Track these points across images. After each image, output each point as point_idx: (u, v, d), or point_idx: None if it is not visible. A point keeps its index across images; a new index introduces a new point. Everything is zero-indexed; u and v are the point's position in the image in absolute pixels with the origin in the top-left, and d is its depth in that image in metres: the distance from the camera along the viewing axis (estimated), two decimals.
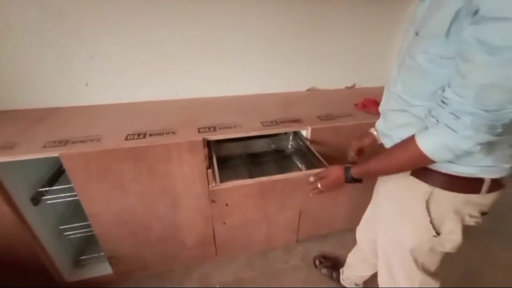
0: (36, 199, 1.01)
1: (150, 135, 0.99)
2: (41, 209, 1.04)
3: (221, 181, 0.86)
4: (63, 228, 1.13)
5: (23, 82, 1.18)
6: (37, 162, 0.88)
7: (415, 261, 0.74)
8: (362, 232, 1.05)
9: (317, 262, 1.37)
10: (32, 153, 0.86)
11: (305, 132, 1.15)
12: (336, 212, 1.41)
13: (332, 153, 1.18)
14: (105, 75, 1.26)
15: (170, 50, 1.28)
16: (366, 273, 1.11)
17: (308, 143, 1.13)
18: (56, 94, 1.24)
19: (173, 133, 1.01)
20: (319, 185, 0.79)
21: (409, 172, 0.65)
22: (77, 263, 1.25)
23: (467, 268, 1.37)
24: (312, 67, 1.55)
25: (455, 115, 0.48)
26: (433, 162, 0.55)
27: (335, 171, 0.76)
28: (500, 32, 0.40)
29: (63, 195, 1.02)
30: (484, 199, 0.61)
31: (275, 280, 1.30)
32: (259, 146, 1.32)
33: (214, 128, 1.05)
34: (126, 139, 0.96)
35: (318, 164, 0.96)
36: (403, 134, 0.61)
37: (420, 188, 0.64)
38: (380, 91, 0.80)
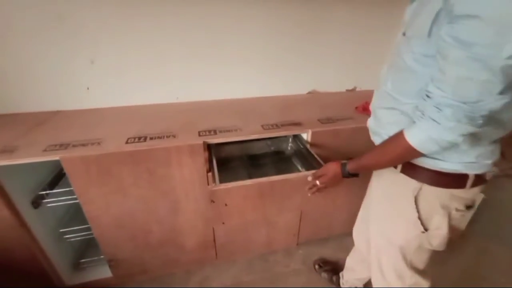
0: (36, 202, 1.01)
1: (151, 138, 0.99)
2: (41, 212, 1.04)
3: (221, 182, 0.87)
4: (63, 231, 1.13)
5: (24, 86, 1.19)
6: (38, 166, 0.89)
7: (404, 259, 0.76)
8: (358, 231, 1.05)
9: (316, 266, 1.36)
10: (32, 156, 0.86)
11: (306, 136, 1.15)
12: (337, 215, 1.41)
13: (332, 156, 1.18)
14: (106, 79, 1.26)
15: (170, 53, 1.29)
16: (366, 275, 1.10)
17: (308, 146, 1.13)
18: (57, 97, 1.25)
19: (174, 136, 1.01)
20: (317, 183, 0.83)
21: (399, 169, 0.67)
22: (77, 266, 1.24)
23: (467, 270, 1.36)
24: (313, 70, 1.55)
25: (438, 108, 0.51)
26: (422, 155, 0.58)
27: (332, 168, 0.80)
28: (469, 29, 0.43)
29: (63, 198, 1.02)
30: (468, 194, 0.64)
31: (276, 284, 1.29)
32: (259, 148, 1.32)
33: (215, 132, 1.05)
34: (127, 142, 0.96)
35: (318, 166, 0.98)
36: (392, 132, 0.64)
37: (410, 184, 0.66)
38: None
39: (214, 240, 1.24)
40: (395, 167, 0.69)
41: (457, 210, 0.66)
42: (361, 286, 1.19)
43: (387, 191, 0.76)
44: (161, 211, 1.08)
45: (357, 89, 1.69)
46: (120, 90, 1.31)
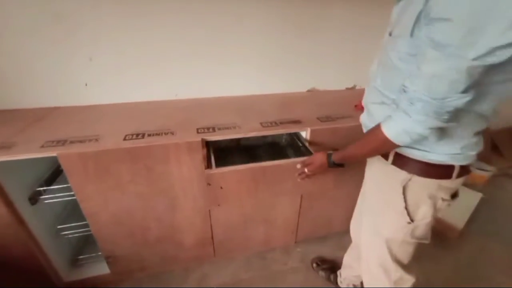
0: (34, 199, 1.00)
1: (149, 135, 0.99)
2: (38, 208, 1.04)
3: (216, 166, 0.95)
4: (60, 228, 1.13)
5: (22, 82, 1.18)
6: (36, 162, 0.88)
7: (390, 252, 0.79)
8: (354, 225, 1.06)
9: (314, 264, 1.36)
10: (30, 152, 0.86)
11: (305, 134, 1.15)
12: (335, 213, 1.41)
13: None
14: (105, 75, 1.26)
15: (169, 50, 1.28)
16: None
17: (307, 144, 1.12)
18: (55, 94, 1.24)
19: (172, 133, 1.00)
20: (306, 170, 0.89)
21: (390, 161, 0.70)
22: (75, 263, 1.24)
23: (465, 268, 1.37)
24: (313, 68, 1.54)
25: (410, 102, 0.55)
26: (397, 146, 0.63)
27: (319, 157, 0.86)
28: (442, 31, 0.47)
29: (61, 194, 1.01)
30: (454, 184, 0.68)
31: (274, 282, 1.29)
32: (255, 139, 1.36)
33: (213, 129, 1.04)
34: (125, 139, 0.96)
35: (308, 154, 1.01)
36: None
37: (399, 175, 0.69)
38: None
39: (212, 238, 1.24)
40: (386, 159, 0.72)
41: (443, 200, 0.69)
42: (359, 283, 1.19)
43: (379, 182, 0.79)
44: (159, 208, 1.08)
45: (357, 87, 1.68)
46: (119, 86, 1.30)
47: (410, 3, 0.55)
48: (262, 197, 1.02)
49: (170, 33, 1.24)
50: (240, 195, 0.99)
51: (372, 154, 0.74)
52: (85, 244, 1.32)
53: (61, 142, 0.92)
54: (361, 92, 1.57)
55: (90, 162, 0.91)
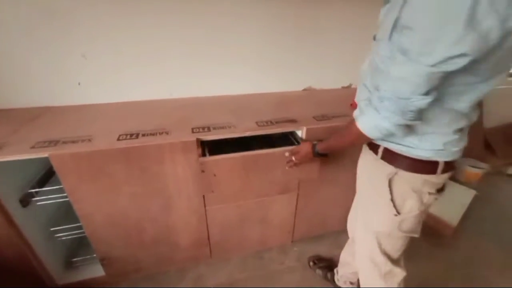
0: (25, 201, 0.98)
1: (143, 135, 0.97)
2: (30, 210, 1.02)
3: (210, 155, 0.98)
4: (54, 230, 1.11)
5: (14, 81, 1.16)
6: (28, 163, 0.86)
7: (379, 245, 0.82)
8: (351, 221, 1.07)
9: (311, 263, 1.36)
10: (20, 153, 0.84)
11: (300, 133, 1.14)
12: (332, 212, 1.41)
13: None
14: (98, 74, 1.24)
15: (165, 49, 1.26)
16: None
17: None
18: (48, 93, 1.22)
19: (166, 133, 0.99)
20: (293, 159, 0.95)
21: (380, 156, 0.74)
22: (69, 265, 1.23)
23: (459, 266, 1.38)
24: (309, 67, 1.54)
25: (380, 100, 0.61)
26: (370, 139, 0.68)
27: (305, 147, 0.92)
28: (407, 38, 0.51)
29: (54, 196, 1.00)
30: (439, 179, 0.70)
31: (270, 281, 1.29)
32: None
33: (208, 128, 1.04)
34: (118, 139, 0.94)
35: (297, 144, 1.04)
36: None
37: (387, 169, 0.72)
38: None
39: (209, 238, 1.23)
40: (376, 153, 0.75)
41: (430, 194, 0.71)
42: (356, 280, 1.19)
43: (368, 176, 0.82)
44: (154, 208, 1.06)
45: (353, 86, 1.69)
46: (113, 85, 1.28)
47: (392, 9, 0.58)
48: (252, 183, 1.04)
49: (165, 31, 1.23)
50: (232, 183, 1.01)
51: (349, 145, 0.79)
52: (80, 246, 1.30)
53: (53, 143, 0.90)
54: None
55: (83, 163, 0.90)
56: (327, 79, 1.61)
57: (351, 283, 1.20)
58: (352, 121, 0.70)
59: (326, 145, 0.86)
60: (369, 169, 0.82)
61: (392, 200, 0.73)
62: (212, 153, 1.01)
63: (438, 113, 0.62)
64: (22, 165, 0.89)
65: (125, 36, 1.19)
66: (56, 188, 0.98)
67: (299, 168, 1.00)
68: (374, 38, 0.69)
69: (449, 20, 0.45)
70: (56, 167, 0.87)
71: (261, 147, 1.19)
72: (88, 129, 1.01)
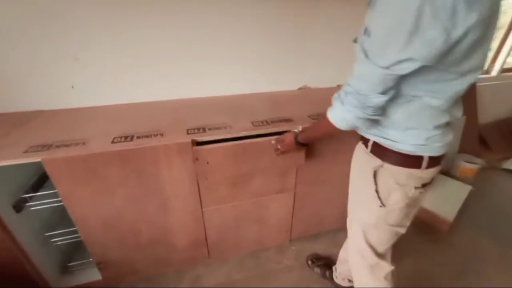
0: (18, 206, 0.97)
1: (138, 137, 0.97)
2: (24, 216, 1.00)
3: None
4: (49, 235, 1.10)
5: (5, 84, 1.14)
6: (21, 168, 0.85)
7: (365, 237, 0.86)
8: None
9: (309, 262, 1.37)
10: (12, 158, 0.83)
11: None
12: (329, 211, 1.41)
13: (322, 151, 1.18)
14: (92, 77, 1.22)
15: (159, 50, 1.25)
16: None
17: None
18: (40, 96, 1.21)
19: (161, 135, 0.98)
20: (279, 147, 0.99)
21: (369, 149, 0.76)
22: (65, 270, 1.22)
23: (455, 260, 1.39)
24: (304, 66, 1.54)
25: (345, 94, 0.66)
26: (341, 130, 0.72)
27: (289, 136, 0.96)
28: (367, 41, 0.57)
29: (48, 200, 0.99)
30: (424, 174, 0.72)
31: (268, 281, 1.29)
32: None
33: (204, 129, 1.03)
34: (113, 142, 0.94)
35: None
36: None
37: (374, 162, 0.75)
38: None
39: (206, 239, 1.23)
40: (366, 147, 0.78)
41: (415, 188, 0.73)
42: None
43: (358, 169, 0.85)
44: (151, 210, 1.06)
45: None
46: (107, 88, 1.27)
47: (369, 13, 0.62)
48: (243, 170, 1.06)
49: (158, 33, 1.22)
50: (224, 169, 1.03)
51: (324, 136, 0.89)
52: (76, 251, 1.29)
53: (46, 147, 0.89)
54: None
55: (77, 167, 0.89)
56: (322, 78, 1.61)
57: (350, 280, 1.20)
58: (325, 113, 0.75)
59: (306, 135, 0.91)
60: (359, 161, 0.84)
61: (376, 191, 0.76)
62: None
63: (418, 109, 0.64)
64: (15, 170, 0.88)
65: (118, 38, 1.18)
66: (50, 193, 0.97)
67: (287, 155, 1.05)
68: (355, 41, 0.72)
69: (398, 28, 0.50)
70: (49, 172, 0.86)
71: None
72: (82, 132, 1.00)
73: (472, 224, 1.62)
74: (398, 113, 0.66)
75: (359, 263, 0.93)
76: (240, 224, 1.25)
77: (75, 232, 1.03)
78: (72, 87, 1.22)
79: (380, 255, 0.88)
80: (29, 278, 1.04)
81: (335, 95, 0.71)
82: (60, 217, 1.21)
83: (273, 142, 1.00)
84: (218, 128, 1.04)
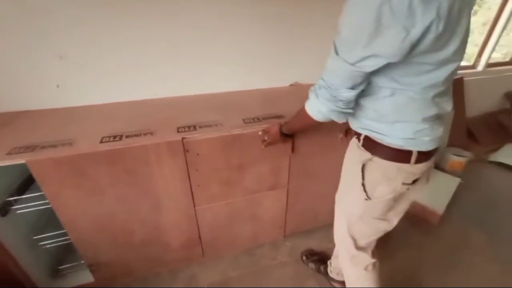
0: (3, 210, 0.94)
1: (127, 136, 0.95)
2: (10, 219, 0.97)
3: None
4: (37, 238, 1.07)
5: None
6: (4, 170, 0.82)
7: (348, 227, 0.88)
8: None
9: (304, 257, 1.38)
10: None
11: None
12: (323, 206, 1.42)
13: (314, 146, 1.18)
14: (78, 75, 1.19)
15: (147, 48, 1.23)
16: None
17: None
18: (24, 96, 1.17)
19: (151, 133, 0.97)
20: (266, 138, 1.01)
21: (361, 143, 0.77)
22: (56, 274, 1.19)
23: (448, 253, 1.43)
24: (295, 62, 1.53)
25: (319, 87, 0.69)
26: (319, 122, 0.75)
27: (274, 127, 0.99)
28: (337, 39, 0.60)
29: (35, 203, 0.96)
30: (414, 169, 0.72)
31: (263, 277, 1.29)
32: None
33: (194, 127, 1.02)
34: (101, 142, 0.91)
35: None
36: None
37: (364, 155, 0.76)
38: None
39: (200, 237, 1.22)
40: (359, 140, 0.78)
41: (403, 183, 0.74)
42: None
43: (350, 161, 0.86)
44: (143, 210, 1.04)
45: None
46: (94, 87, 1.24)
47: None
48: (232, 162, 1.07)
49: (147, 30, 1.19)
50: (214, 160, 1.04)
51: (306, 127, 0.92)
52: (66, 253, 1.26)
53: (31, 148, 0.86)
54: None
55: (64, 168, 0.86)
56: (314, 74, 1.60)
57: None
58: (303, 106, 0.78)
59: (289, 126, 0.94)
60: (351, 155, 0.86)
61: (363, 184, 0.77)
62: None
63: (404, 102, 0.65)
64: None
65: (105, 36, 1.15)
66: (37, 195, 0.94)
67: (274, 146, 1.06)
68: None
69: (361, 28, 0.54)
70: (35, 174, 0.84)
71: None
72: (68, 133, 0.97)
73: (461, 216, 1.66)
74: (386, 107, 0.67)
75: (342, 252, 0.98)
76: (233, 222, 1.25)
77: (65, 234, 1.01)
78: (58, 86, 1.19)
79: (360, 248, 0.91)
80: (18, 283, 1.02)
81: (311, 88, 0.74)
82: (49, 220, 1.18)
83: (260, 133, 1.02)
84: (209, 126, 1.03)
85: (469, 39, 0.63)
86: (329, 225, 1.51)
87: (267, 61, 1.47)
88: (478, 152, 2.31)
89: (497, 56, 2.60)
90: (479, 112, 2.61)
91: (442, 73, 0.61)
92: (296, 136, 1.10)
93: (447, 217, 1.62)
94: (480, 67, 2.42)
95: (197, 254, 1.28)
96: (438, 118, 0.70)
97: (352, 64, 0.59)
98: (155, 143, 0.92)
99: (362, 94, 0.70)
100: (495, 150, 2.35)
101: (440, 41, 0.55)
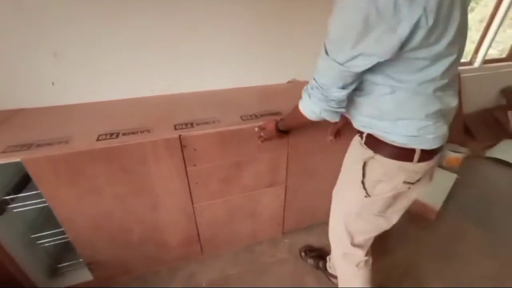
0: (0, 208, 0.93)
1: (124, 134, 0.94)
2: (7, 218, 0.96)
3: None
4: (35, 237, 1.06)
5: None
6: (0, 169, 0.81)
7: (345, 224, 0.88)
8: None
9: (302, 253, 1.38)
10: None
11: None
12: (321, 203, 1.43)
13: (310, 142, 1.18)
14: (73, 73, 1.18)
15: (144, 45, 1.22)
16: None
17: None
18: (19, 94, 1.15)
19: (148, 131, 0.96)
20: (262, 134, 1.02)
21: (363, 141, 0.77)
22: (55, 272, 1.19)
23: (440, 247, 1.44)
24: (293, 59, 1.53)
25: (311, 87, 0.70)
26: (310, 120, 0.75)
27: (270, 124, 1.00)
28: (327, 40, 0.61)
29: (32, 202, 0.95)
30: (416, 167, 0.71)
31: (262, 274, 1.30)
32: None
33: (192, 124, 1.01)
34: (98, 139, 0.91)
35: None
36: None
37: (366, 153, 0.75)
38: None
39: (198, 235, 1.22)
40: (361, 138, 0.78)
41: (404, 182, 0.73)
42: None
43: (351, 158, 0.86)
44: (140, 209, 1.04)
45: None
46: (90, 84, 1.23)
47: None
48: (229, 157, 1.07)
49: (144, 27, 1.18)
50: (211, 156, 1.04)
51: (300, 125, 0.94)
52: (64, 252, 1.26)
53: (26, 146, 0.86)
54: None
55: (60, 166, 0.86)
56: (311, 71, 1.58)
57: None
58: (297, 104, 0.78)
59: (284, 123, 0.95)
60: (353, 152, 0.85)
61: (363, 182, 0.76)
62: None
63: (405, 99, 0.64)
64: None
65: (101, 33, 1.14)
66: (34, 194, 0.93)
67: (271, 142, 1.07)
68: None
69: (349, 28, 0.54)
70: (31, 172, 0.83)
71: None
72: (64, 131, 0.97)
73: (458, 212, 1.68)
74: (387, 104, 0.66)
75: (336, 248, 0.99)
76: (232, 219, 1.25)
77: (63, 233, 1.01)
78: (53, 83, 1.18)
79: (356, 245, 0.90)
80: (16, 282, 1.01)
81: (304, 88, 0.74)
82: (46, 218, 1.17)
83: (256, 129, 1.03)
84: (206, 123, 1.03)
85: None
86: (328, 222, 1.52)
87: (264, 58, 1.46)
88: (474, 148, 2.32)
89: (494, 53, 2.62)
90: (476, 108, 2.63)
91: (438, 68, 0.60)
92: (293, 134, 1.10)
93: (444, 212, 1.64)
94: (476, 64, 2.43)
95: (196, 252, 1.28)
96: (442, 115, 0.67)
97: (342, 64, 0.59)
98: (152, 140, 0.92)
99: (361, 93, 0.69)
100: (491, 146, 2.36)
101: (432, 36, 0.55)
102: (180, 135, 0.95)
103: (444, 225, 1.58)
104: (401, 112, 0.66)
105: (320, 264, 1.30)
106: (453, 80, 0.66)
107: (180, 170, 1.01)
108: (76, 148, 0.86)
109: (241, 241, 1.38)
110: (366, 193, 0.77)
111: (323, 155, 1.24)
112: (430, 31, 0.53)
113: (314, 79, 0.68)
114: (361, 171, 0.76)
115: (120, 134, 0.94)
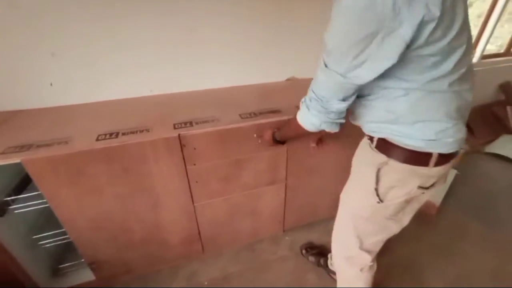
0: (1, 210, 0.93)
1: (123, 134, 0.94)
2: (8, 220, 0.97)
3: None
4: (36, 238, 1.07)
5: None
6: (0, 170, 0.82)
7: (355, 228, 0.85)
8: None
9: (303, 251, 1.39)
10: None
11: None
12: (321, 200, 1.43)
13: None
14: (72, 73, 1.18)
15: (143, 44, 1.22)
16: None
17: None
18: (17, 95, 1.15)
19: (147, 130, 0.96)
20: (259, 141, 1.05)
21: (374, 145, 0.73)
22: (57, 273, 1.19)
23: (440, 243, 1.45)
24: (291, 57, 1.53)
25: (310, 99, 0.69)
26: (309, 131, 0.75)
27: (267, 133, 1.01)
28: (325, 53, 0.59)
29: (33, 202, 0.95)
30: (432, 172, 0.68)
31: (263, 272, 1.30)
32: None
33: (191, 123, 1.01)
34: (97, 139, 0.91)
35: None
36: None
37: (379, 158, 0.72)
38: None
39: (200, 234, 1.23)
40: (372, 142, 0.74)
41: (419, 187, 0.70)
42: None
43: (361, 162, 0.83)
44: (141, 209, 1.04)
45: None
46: (88, 85, 1.23)
47: None
48: (228, 156, 1.08)
49: (142, 27, 1.18)
50: (211, 155, 1.04)
51: (297, 136, 0.94)
52: (66, 252, 1.26)
53: (26, 147, 0.86)
54: None
55: (60, 166, 0.86)
56: (310, 68, 1.60)
57: None
58: (295, 116, 0.77)
59: (281, 133, 0.96)
60: (362, 155, 0.82)
61: (376, 189, 0.73)
62: None
63: (419, 99, 0.60)
64: None
65: (99, 32, 1.13)
66: (35, 194, 0.93)
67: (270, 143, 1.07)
68: None
69: (349, 36, 0.53)
70: (31, 173, 0.83)
71: None
72: (64, 131, 0.97)
73: (458, 207, 1.68)
74: (401, 107, 0.62)
75: (338, 250, 0.97)
76: (232, 218, 1.26)
77: (65, 233, 1.01)
78: (51, 84, 1.18)
79: (364, 249, 0.88)
80: (19, 283, 1.02)
81: (302, 99, 0.73)
82: (48, 219, 1.17)
83: (255, 136, 1.03)
84: (205, 122, 1.03)
85: None
86: (329, 219, 1.53)
87: (262, 56, 1.46)
88: (474, 143, 2.33)
89: (492, 48, 2.62)
90: (474, 104, 2.62)
91: (450, 62, 0.57)
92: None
93: (444, 208, 1.64)
94: (475, 59, 2.43)
95: (197, 250, 1.28)
96: (461, 116, 0.65)
97: (343, 76, 0.57)
98: (151, 140, 0.92)
99: (373, 98, 0.66)
100: (490, 141, 2.37)
101: (439, 30, 0.52)
102: (179, 134, 0.95)
103: (445, 221, 1.59)
104: (418, 113, 0.62)
105: (321, 261, 1.31)
106: (468, 72, 0.62)
107: (180, 169, 1.01)
108: (76, 149, 0.86)
109: (242, 239, 1.39)
110: (379, 199, 0.74)
111: (322, 153, 1.24)
112: (438, 24, 0.51)
113: (313, 91, 0.66)
114: (374, 178, 0.72)
115: (120, 134, 0.94)
